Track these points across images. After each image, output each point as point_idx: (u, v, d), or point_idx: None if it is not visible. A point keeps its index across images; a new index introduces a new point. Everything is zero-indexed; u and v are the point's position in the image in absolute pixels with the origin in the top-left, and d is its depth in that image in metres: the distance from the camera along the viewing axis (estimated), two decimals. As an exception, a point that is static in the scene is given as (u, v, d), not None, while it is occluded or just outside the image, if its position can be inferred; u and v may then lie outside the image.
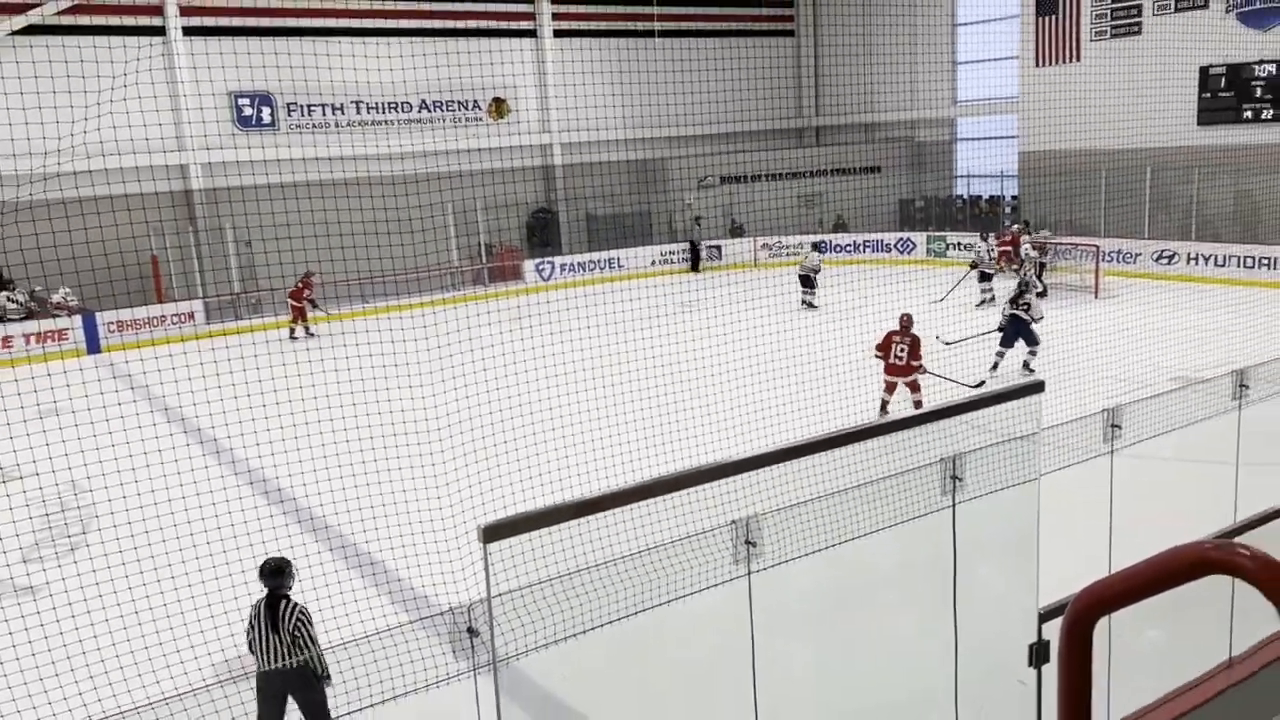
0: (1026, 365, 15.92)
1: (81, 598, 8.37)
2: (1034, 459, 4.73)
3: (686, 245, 30.03)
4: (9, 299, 21.75)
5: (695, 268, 29.71)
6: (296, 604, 6.59)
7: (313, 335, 22.31)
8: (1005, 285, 22.67)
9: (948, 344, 16.83)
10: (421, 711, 7.18)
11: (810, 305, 22.86)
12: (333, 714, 6.73)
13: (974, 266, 22.61)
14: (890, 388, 13.60)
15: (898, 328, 13.63)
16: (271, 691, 6.44)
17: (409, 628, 7.37)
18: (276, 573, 6.59)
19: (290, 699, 6.51)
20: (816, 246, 24.73)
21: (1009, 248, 23.68)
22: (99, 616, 8.19)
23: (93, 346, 21.90)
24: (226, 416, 13.87)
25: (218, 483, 12.19)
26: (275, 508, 11.60)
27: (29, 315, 21.78)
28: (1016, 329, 15.93)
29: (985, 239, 23.42)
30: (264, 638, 6.48)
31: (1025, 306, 15.95)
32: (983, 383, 14.20)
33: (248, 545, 9.79)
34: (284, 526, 10.95)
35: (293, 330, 22.36)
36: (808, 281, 23.12)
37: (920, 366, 13.50)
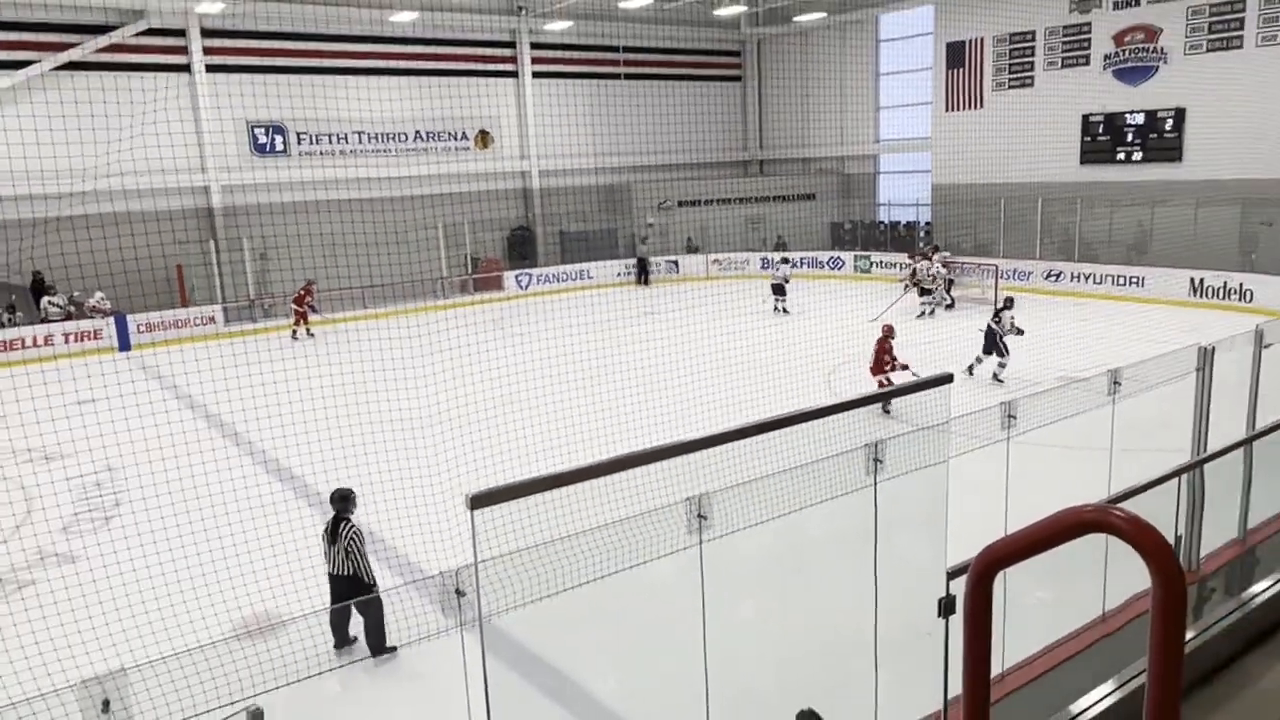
0: (995, 376, 15.05)
1: (115, 563, 8.25)
2: (944, 444, 4.81)
3: (635, 261, 29.58)
4: (50, 302, 21.29)
5: (644, 281, 29.34)
6: (353, 525, 7.35)
7: (312, 336, 21.99)
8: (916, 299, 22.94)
9: (872, 320, 16.60)
10: (413, 663, 7.17)
11: (784, 310, 22.55)
12: (334, 664, 6.72)
13: (917, 285, 22.48)
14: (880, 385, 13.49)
15: (885, 336, 13.80)
16: (338, 596, 7.31)
17: (404, 589, 7.35)
18: (341, 500, 7.44)
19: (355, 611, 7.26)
20: (785, 260, 24.55)
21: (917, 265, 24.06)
22: (130, 579, 8.08)
23: (124, 345, 21.48)
24: (242, 406, 13.69)
25: (235, 464, 12.03)
26: (285, 485, 11.48)
27: (68, 317, 21.35)
28: (989, 340, 15.44)
29: (926, 258, 23.55)
30: (327, 549, 7.36)
31: (998, 320, 15.52)
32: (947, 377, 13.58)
33: (261, 518, 9.71)
34: (293, 501, 10.85)
35: (294, 332, 22.07)
36: (780, 290, 22.87)
37: (888, 367, 13.41)
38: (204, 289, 23.70)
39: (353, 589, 7.20)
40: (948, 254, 24.89)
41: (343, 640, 7.32)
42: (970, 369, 15.32)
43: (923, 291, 22.09)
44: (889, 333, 13.85)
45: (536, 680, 7.02)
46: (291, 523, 9.56)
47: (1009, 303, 16.16)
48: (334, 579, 7.37)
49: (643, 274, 29.31)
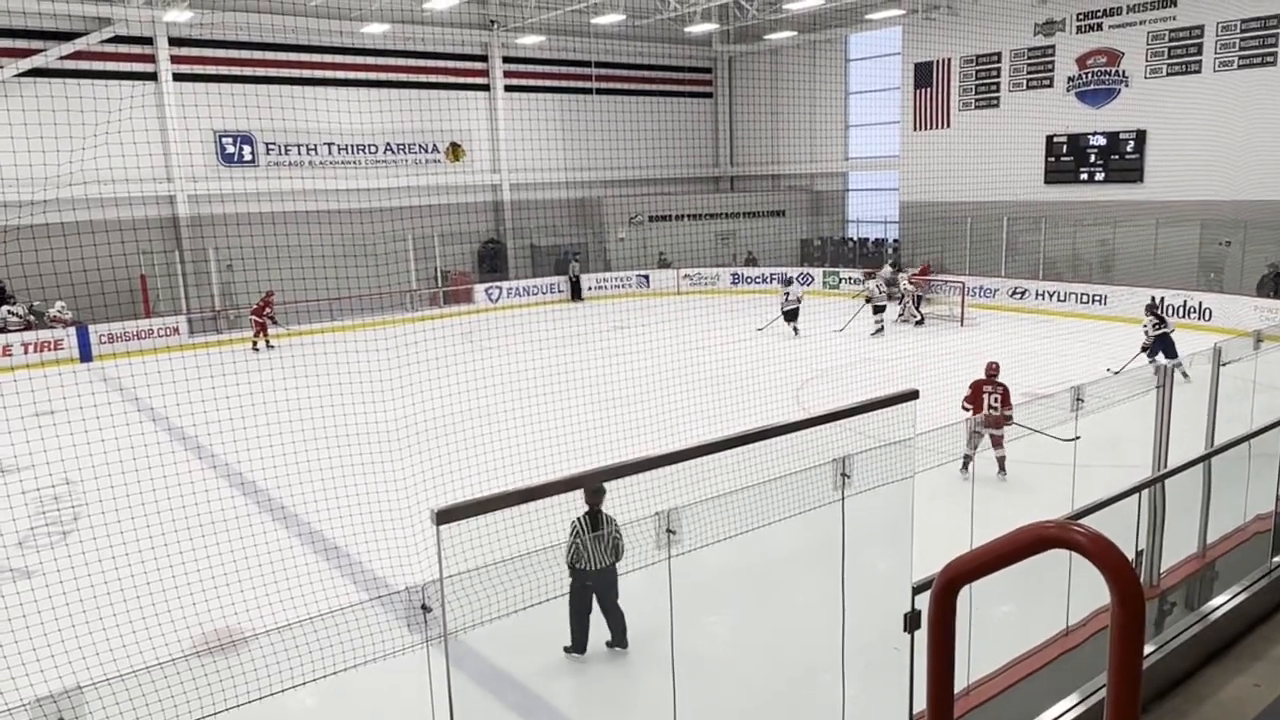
0: (1183, 374, 12.49)
1: (72, 578, 8.08)
2: (910, 460, 4.84)
3: (568, 280, 29.25)
4: (10, 312, 20.88)
5: (576, 298, 29.04)
6: (612, 516, 6.73)
7: (272, 348, 21.76)
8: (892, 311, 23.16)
9: (1115, 373, 15.16)
10: (378, 680, 7.06)
11: (795, 331, 21.84)
12: (298, 680, 6.60)
13: (869, 300, 22.47)
14: (975, 440, 10.43)
15: (984, 377, 11.15)
16: (583, 588, 6.82)
17: (368, 605, 7.25)
18: (598, 492, 6.74)
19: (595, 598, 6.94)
20: (794, 281, 23.90)
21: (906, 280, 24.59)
22: (87, 595, 7.91)
23: (85, 355, 21.12)
24: (205, 418, 13.50)
25: (197, 477, 11.85)
26: (248, 499, 11.32)
27: (28, 327, 20.95)
28: (1163, 345, 15.36)
29: (872, 276, 23.72)
30: (586, 543, 6.66)
31: (1164, 323, 15.53)
32: (1078, 437, 9.53)
33: (224, 533, 9.57)
34: (255, 515, 10.71)
35: (255, 344, 21.84)
36: (794, 315, 22.17)
37: (1010, 416, 10.49)
38: (168, 299, 23.39)
39: (608, 585, 6.82)
40: (912, 270, 25.26)
41: (583, 644, 6.99)
42: (1185, 374, 12.67)
43: (876, 309, 21.87)
44: (997, 370, 11.25)
45: (504, 696, 6.96)
46: (254, 537, 9.43)
47: (1156, 304, 16.24)
48: (585, 575, 6.79)
49: (575, 291, 29.17)
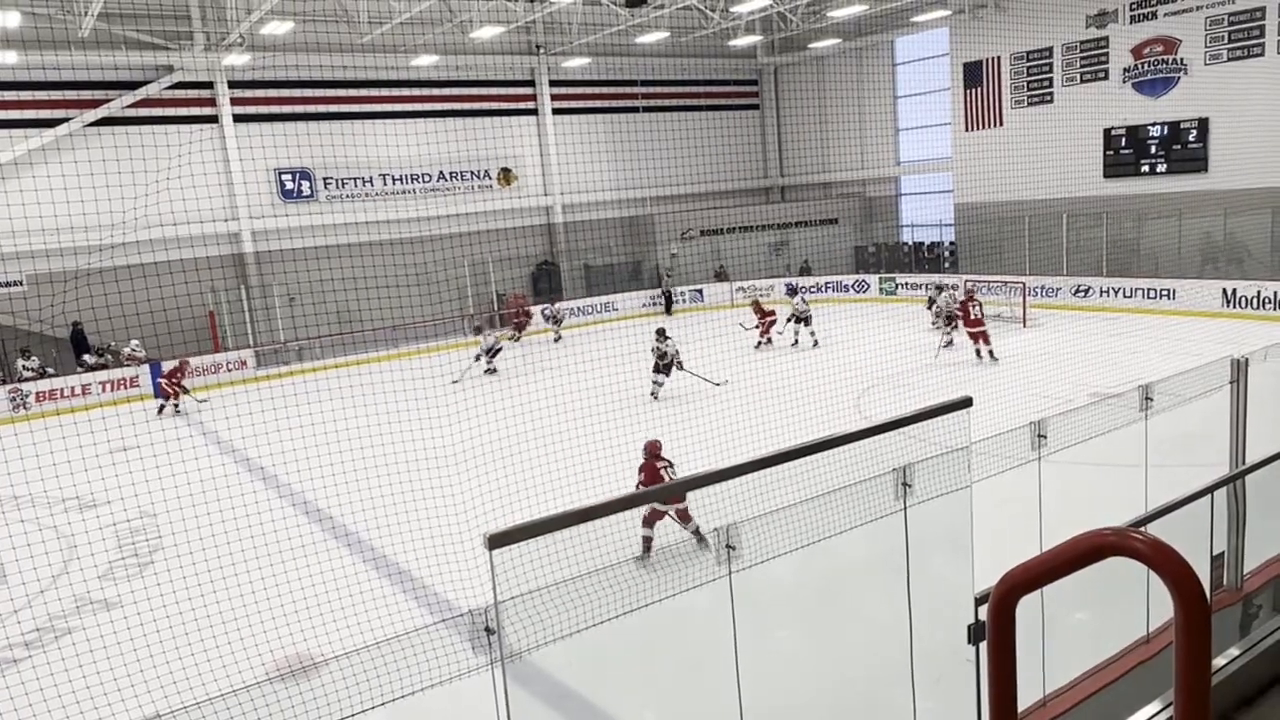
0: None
1: (150, 609, 8.31)
2: (969, 467, 4.75)
3: (661, 293, 29.57)
4: (94, 352, 21.45)
5: (668, 311, 29.24)
6: None
7: (178, 413, 19.58)
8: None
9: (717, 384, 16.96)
10: (446, 702, 7.12)
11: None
12: (369, 704, 6.68)
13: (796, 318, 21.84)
14: (655, 520, 8.79)
15: (651, 456, 9.62)
16: None
17: (435, 628, 7.33)
18: None
19: None
20: (940, 288, 22.19)
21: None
22: (164, 625, 8.13)
23: (159, 392, 21.78)
24: (275, 449, 13.81)
25: (265, 506, 12.11)
26: (317, 527, 11.54)
27: (104, 366, 21.68)
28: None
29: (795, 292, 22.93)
30: None
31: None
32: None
33: (293, 560, 9.75)
34: (325, 543, 10.90)
35: (177, 406, 19.82)
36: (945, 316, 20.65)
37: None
38: (236, 334, 24.05)
39: None
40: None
41: None
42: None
43: (804, 321, 21.51)
44: (660, 446, 9.70)
45: (572, 716, 6.96)
46: (325, 564, 9.61)
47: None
48: None
49: (668, 305, 29.42)
